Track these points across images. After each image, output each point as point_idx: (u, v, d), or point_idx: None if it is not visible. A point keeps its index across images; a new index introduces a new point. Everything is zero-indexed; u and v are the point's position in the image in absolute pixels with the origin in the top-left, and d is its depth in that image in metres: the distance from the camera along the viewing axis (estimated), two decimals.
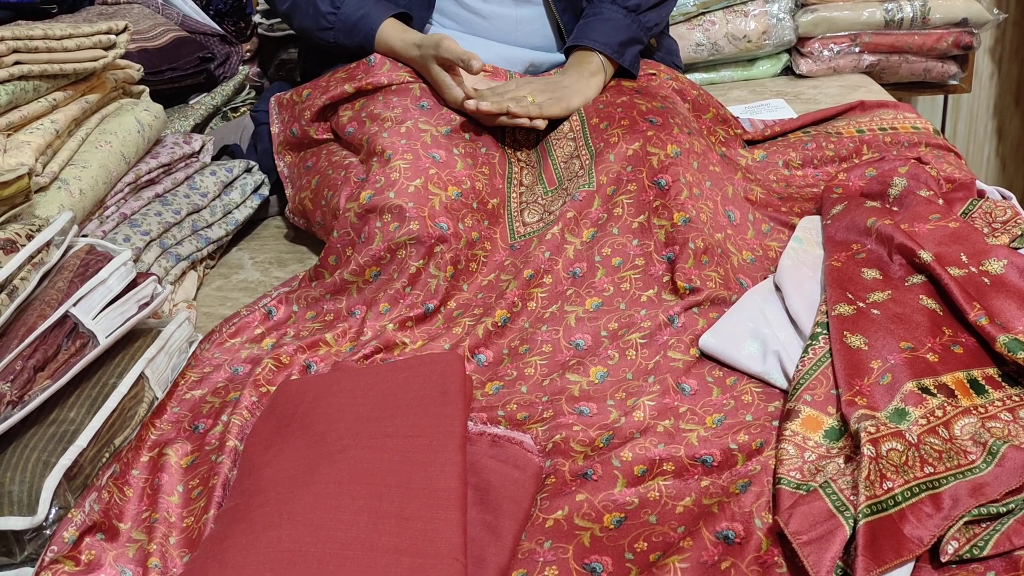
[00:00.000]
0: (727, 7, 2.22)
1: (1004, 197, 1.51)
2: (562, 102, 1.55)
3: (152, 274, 1.28)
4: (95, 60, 1.43)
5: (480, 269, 1.44)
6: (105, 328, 1.17)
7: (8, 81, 1.29)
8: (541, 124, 1.52)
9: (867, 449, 1.00)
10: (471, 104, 1.51)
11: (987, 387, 1.11)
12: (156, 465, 1.13)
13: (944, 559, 0.93)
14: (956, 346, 1.15)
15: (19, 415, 1.05)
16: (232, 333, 1.38)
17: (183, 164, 1.62)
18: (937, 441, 1.03)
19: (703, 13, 2.22)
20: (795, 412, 1.09)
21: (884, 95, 2.09)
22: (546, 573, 0.97)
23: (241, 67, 2.10)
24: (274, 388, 1.23)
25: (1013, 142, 3.02)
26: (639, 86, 1.62)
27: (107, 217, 1.44)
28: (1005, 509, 0.96)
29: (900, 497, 0.96)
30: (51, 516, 1.04)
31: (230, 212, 1.64)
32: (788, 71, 2.30)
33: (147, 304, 1.24)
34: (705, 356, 1.24)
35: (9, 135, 1.30)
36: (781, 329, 1.25)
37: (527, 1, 1.71)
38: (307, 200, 1.60)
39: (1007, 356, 1.12)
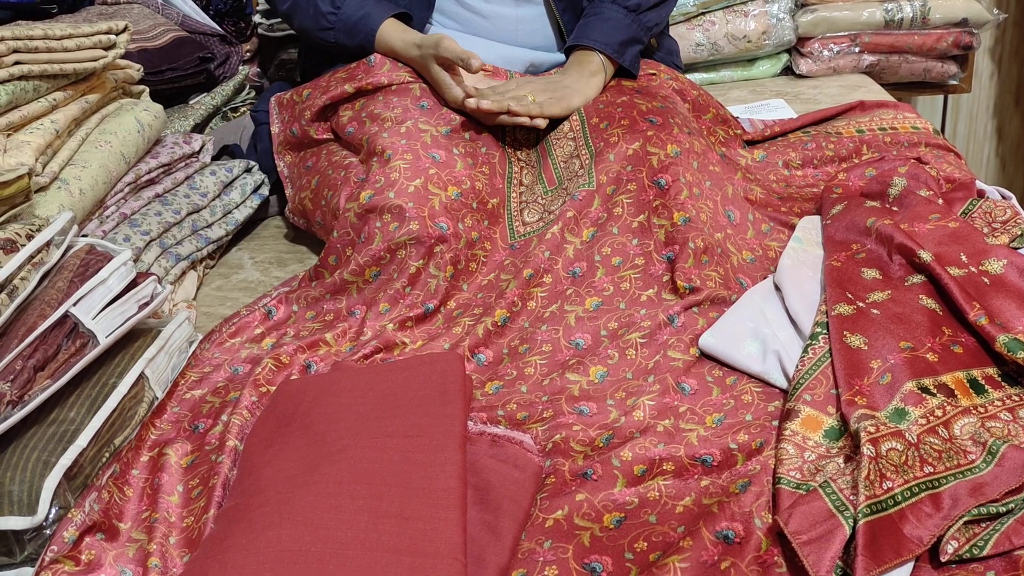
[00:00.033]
0: (727, 7, 2.22)
1: (1004, 197, 1.51)
2: (562, 101, 1.55)
3: (152, 274, 1.28)
4: (95, 60, 1.43)
5: (480, 269, 1.44)
6: (105, 328, 1.17)
7: (8, 81, 1.29)
8: (542, 123, 1.52)
9: (867, 449, 1.00)
10: (472, 102, 1.51)
11: (987, 387, 1.11)
12: (156, 465, 1.13)
13: (944, 559, 0.93)
14: (956, 346, 1.15)
15: (19, 415, 1.05)
16: (232, 333, 1.38)
17: (183, 164, 1.62)
18: (937, 441, 1.03)
19: (703, 13, 2.22)
20: (795, 412, 1.09)
21: (884, 95, 2.09)
22: (546, 573, 0.97)
23: (241, 67, 2.10)
24: (274, 388, 1.23)
25: (1013, 142, 3.02)
26: (639, 86, 1.62)
27: (107, 217, 1.44)
28: (1005, 509, 0.96)
29: (900, 497, 0.96)
30: (51, 516, 1.04)
31: (230, 212, 1.64)
32: (788, 71, 2.30)
33: (147, 304, 1.24)
34: (705, 356, 1.24)
35: (9, 135, 1.30)
36: (781, 329, 1.25)
37: (527, 1, 1.71)
38: (307, 200, 1.60)
39: (1007, 356, 1.12)
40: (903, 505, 0.96)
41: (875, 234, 1.33)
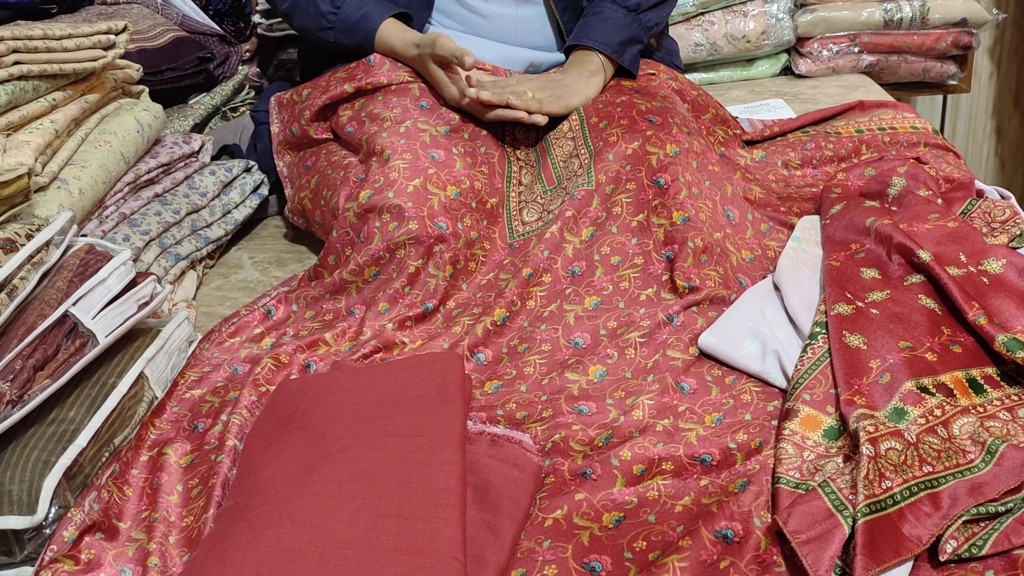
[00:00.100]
0: (726, 7, 2.22)
1: (1003, 197, 1.51)
2: (562, 100, 1.55)
3: (151, 274, 1.28)
4: (95, 60, 1.43)
5: (479, 268, 1.44)
6: (105, 327, 1.17)
7: (8, 81, 1.29)
8: (541, 120, 1.52)
9: (866, 448, 1.00)
10: (472, 91, 1.51)
11: (986, 386, 1.11)
12: (156, 464, 1.13)
13: (943, 558, 0.94)
14: (955, 345, 1.15)
15: (19, 414, 1.05)
16: (231, 333, 1.38)
17: (182, 164, 1.62)
18: (936, 440, 1.03)
19: (702, 13, 2.22)
20: (794, 411, 1.10)
21: (883, 95, 2.09)
22: (545, 572, 0.97)
23: (240, 67, 2.10)
24: (273, 387, 1.23)
25: (1012, 142, 3.03)
26: (639, 86, 1.62)
27: (106, 217, 1.44)
28: (1004, 508, 0.96)
29: (899, 496, 0.96)
30: (51, 515, 1.04)
31: (229, 212, 1.64)
32: (787, 71, 2.30)
33: (146, 303, 1.24)
34: (704, 355, 1.25)
35: (9, 135, 1.30)
36: (780, 328, 1.25)
37: (527, 1, 1.71)
38: (306, 200, 1.60)
39: (1006, 355, 1.12)
40: (902, 504, 0.96)
41: (874, 234, 1.33)
